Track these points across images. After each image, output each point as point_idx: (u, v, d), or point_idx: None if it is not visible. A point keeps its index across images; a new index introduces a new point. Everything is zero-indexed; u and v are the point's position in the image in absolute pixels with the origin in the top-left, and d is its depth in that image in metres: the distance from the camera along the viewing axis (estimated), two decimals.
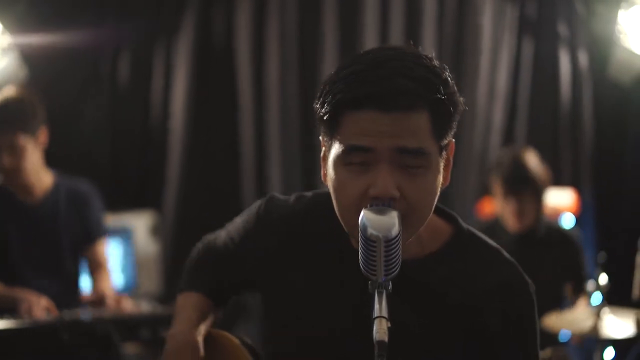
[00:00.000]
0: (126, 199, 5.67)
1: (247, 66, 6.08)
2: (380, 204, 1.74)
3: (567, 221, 5.88)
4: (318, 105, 1.85)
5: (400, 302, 1.80)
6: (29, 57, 5.63)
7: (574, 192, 6.05)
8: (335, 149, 1.82)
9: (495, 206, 4.87)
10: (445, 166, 1.87)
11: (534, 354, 1.95)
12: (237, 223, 2.19)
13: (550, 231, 4.73)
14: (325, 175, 1.89)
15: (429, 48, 6.03)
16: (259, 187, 6.07)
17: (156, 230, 5.69)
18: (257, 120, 6.09)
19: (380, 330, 1.59)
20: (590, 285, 4.23)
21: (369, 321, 1.62)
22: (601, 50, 6.17)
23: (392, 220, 1.69)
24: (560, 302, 4.69)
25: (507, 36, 6.39)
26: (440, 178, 1.84)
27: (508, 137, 6.39)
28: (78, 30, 5.87)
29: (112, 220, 4.99)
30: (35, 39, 5.66)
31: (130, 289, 5.33)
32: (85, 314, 3.92)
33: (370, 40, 6.14)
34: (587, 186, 6.40)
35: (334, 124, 1.81)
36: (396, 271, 1.69)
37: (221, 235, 2.23)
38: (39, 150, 4.13)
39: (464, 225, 2.00)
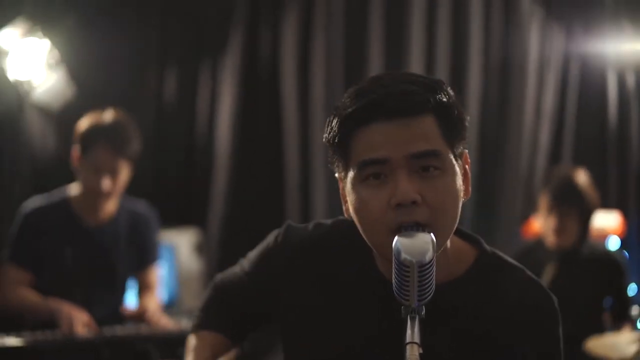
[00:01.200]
0: (170, 216, 5.68)
1: (292, 85, 6.10)
2: (407, 220, 1.74)
3: (613, 244, 5.81)
4: (327, 134, 1.85)
5: (428, 328, 1.79)
6: (77, 73, 5.70)
7: (620, 215, 5.99)
8: (351, 172, 1.82)
9: (539, 224, 4.82)
10: (464, 176, 1.87)
11: None
12: (252, 256, 2.16)
13: (594, 252, 4.67)
14: (347, 210, 1.88)
15: (475, 69, 6.11)
16: (303, 207, 6.08)
17: (200, 248, 5.71)
18: (302, 140, 6.11)
19: (411, 356, 1.58)
20: (635, 310, 4.18)
21: (391, 348, 1.63)
22: None
23: (426, 246, 1.67)
24: (601, 325, 4.63)
25: (553, 56, 6.36)
26: (461, 182, 1.83)
27: (554, 157, 6.35)
28: (124, 44, 5.93)
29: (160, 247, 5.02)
30: (82, 55, 5.73)
31: (173, 305, 5.35)
32: (125, 330, 3.93)
33: (416, 61, 6.14)
34: (633, 209, 6.34)
35: (345, 147, 1.82)
36: (430, 296, 1.67)
37: (235, 271, 2.20)
38: (126, 179, 4.16)
39: (488, 247, 1.99)
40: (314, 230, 2.07)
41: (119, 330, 3.95)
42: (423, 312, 1.67)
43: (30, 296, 4.02)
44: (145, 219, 4.35)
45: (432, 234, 1.72)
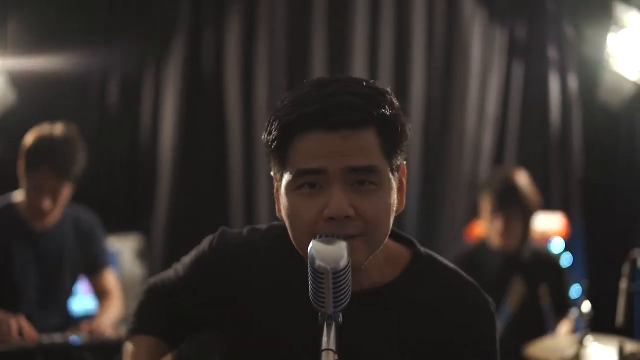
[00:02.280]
0: (113, 222, 5.64)
1: (236, 90, 6.09)
2: (338, 231, 1.73)
3: (557, 246, 5.85)
4: (265, 136, 1.83)
5: (363, 330, 1.78)
6: (18, 81, 5.64)
7: (563, 217, 6.03)
8: (286, 177, 1.80)
9: (482, 227, 4.84)
10: (399, 189, 1.86)
11: None
12: (186, 261, 2.13)
13: (536, 255, 4.70)
14: (279, 210, 1.87)
15: (418, 73, 6.12)
16: (247, 212, 6.07)
17: (143, 254, 5.68)
18: (245, 144, 6.10)
19: None
20: (574, 312, 4.20)
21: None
22: (591, 73, 6.19)
23: (340, 252, 1.66)
24: (544, 327, 4.66)
25: (496, 60, 6.41)
26: (395, 197, 1.83)
27: (498, 161, 6.39)
28: (67, 53, 5.88)
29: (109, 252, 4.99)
30: (23, 63, 5.67)
31: None
32: (62, 338, 3.89)
33: (359, 65, 6.15)
34: (576, 210, 6.39)
35: (283, 152, 1.80)
36: (346, 303, 1.66)
37: (169, 275, 2.17)
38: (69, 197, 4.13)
39: (422, 249, 1.99)
40: (249, 236, 2.06)
41: (57, 338, 3.90)
42: (340, 319, 1.66)
43: None
44: (90, 225, 4.33)
45: (346, 242, 1.71)
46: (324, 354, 1.59)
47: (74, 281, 4.31)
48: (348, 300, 1.67)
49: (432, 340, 1.87)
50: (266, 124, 1.84)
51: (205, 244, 2.10)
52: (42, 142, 4.00)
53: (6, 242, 4.07)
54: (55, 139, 4.01)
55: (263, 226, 2.08)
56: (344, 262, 1.65)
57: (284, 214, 1.84)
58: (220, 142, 6.10)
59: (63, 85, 5.88)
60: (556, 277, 4.70)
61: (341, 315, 1.66)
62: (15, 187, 4.23)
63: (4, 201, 4.16)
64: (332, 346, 1.60)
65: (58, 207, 4.06)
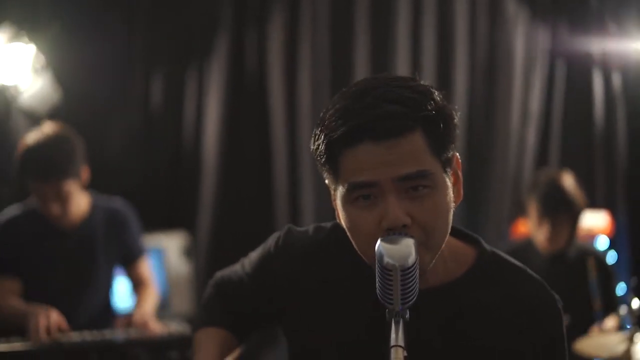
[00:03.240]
0: (159, 220, 5.69)
1: (279, 88, 6.11)
2: (395, 233, 1.73)
3: (601, 243, 5.83)
4: (313, 149, 1.85)
5: (428, 328, 1.79)
6: (63, 79, 5.69)
7: (608, 214, 6.00)
8: (340, 190, 1.81)
9: (528, 227, 4.83)
10: (455, 182, 1.86)
11: None
12: (253, 257, 2.17)
13: (582, 253, 4.68)
14: (339, 217, 1.88)
15: (462, 71, 6.11)
16: (291, 209, 6.08)
17: (188, 251, 5.71)
18: (289, 144, 6.11)
19: (396, 359, 1.58)
20: (622, 309, 4.18)
21: (386, 351, 1.61)
22: (634, 69, 6.14)
23: (408, 249, 1.68)
24: (590, 325, 4.63)
25: (539, 57, 6.38)
26: (451, 194, 1.83)
27: (541, 158, 6.36)
28: (111, 52, 5.92)
29: (144, 240, 5.02)
30: (69, 61, 5.72)
31: (162, 309, 5.34)
32: (114, 335, 3.92)
33: (402, 63, 6.15)
34: (621, 208, 6.35)
35: (333, 166, 1.81)
36: (413, 299, 1.67)
37: (236, 269, 2.22)
38: (82, 188, 4.10)
39: (487, 247, 1.99)
40: (314, 234, 2.08)
41: (108, 334, 3.92)
42: (408, 316, 1.66)
43: (13, 303, 3.98)
44: (122, 214, 4.29)
45: (413, 239, 1.72)
46: (392, 350, 1.60)
47: (110, 274, 4.30)
48: (416, 296, 1.68)
49: (499, 339, 1.87)
50: (312, 136, 1.85)
51: (271, 241, 2.13)
52: (26, 152, 3.94)
53: (37, 244, 4.08)
54: (40, 145, 3.93)
55: (328, 224, 2.09)
56: (412, 259, 1.66)
57: (343, 224, 1.85)
58: (264, 140, 6.12)
59: (107, 81, 5.93)
60: (603, 274, 4.68)
61: (408, 311, 1.67)
62: None
63: (30, 205, 4.15)
64: (401, 342, 1.61)
65: (69, 206, 4.02)
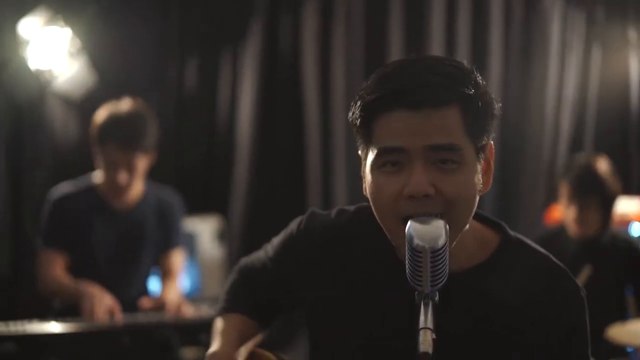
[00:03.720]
0: (192, 204, 5.70)
1: (313, 73, 6.10)
2: (419, 210, 1.74)
3: (636, 230, 5.78)
4: (351, 114, 1.85)
5: (450, 313, 1.78)
6: (98, 63, 5.72)
7: None
8: (370, 155, 1.81)
9: (560, 212, 4.80)
10: (486, 170, 1.86)
11: (587, 358, 1.92)
12: (276, 242, 2.17)
13: (616, 239, 4.64)
14: (365, 189, 1.88)
15: (496, 56, 6.08)
16: (324, 193, 6.09)
17: (221, 235, 5.73)
18: (323, 128, 6.11)
19: (425, 341, 1.57)
20: None
21: (415, 334, 1.60)
22: None
23: (438, 231, 1.67)
24: (624, 312, 4.61)
25: (575, 42, 6.33)
26: (480, 178, 1.82)
27: (576, 144, 6.32)
28: (145, 36, 5.95)
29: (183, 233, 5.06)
30: (103, 45, 5.75)
31: (195, 293, 5.37)
32: (146, 318, 3.95)
33: (436, 47, 6.12)
34: None
35: (367, 130, 1.81)
36: (443, 282, 1.67)
37: (259, 255, 2.22)
38: (146, 165, 4.20)
39: (511, 233, 1.97)
40: (337, 218, 2.07)
41: (141, 317, 3.96)
42: (437, 298, 1.66)
43: (63, 279, 4.08)
44: (171, 205, 4.40)
45: (444, 220, 1.71)
46: (421, 332, 1.59)
47: (152, 260, 4.38)
48: (445, 278, 1.67)
49: (520, 325, 1.86)
50: (352, 103, 1.85)
51: (293, 225, 2.12)
52: (110, 118, 4.09)
53: (89, 221, 4.18)
54: (122, 113, 4.10)
55: (351, 208, 2.09)
56: (442, 241, 1.66)
57: (368, 192, 1.85)
58: (297, 125, 6.12)
59: (141, 65, 5.96)
60: (636, 261, 4.65)
61: (437, 294, 1.67)
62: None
63: (84, 182, 4.26)
64: (430, 325, 1.60)
65: (135, 179, 4.13)
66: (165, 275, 4.41)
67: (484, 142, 1.83)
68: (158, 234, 4.34)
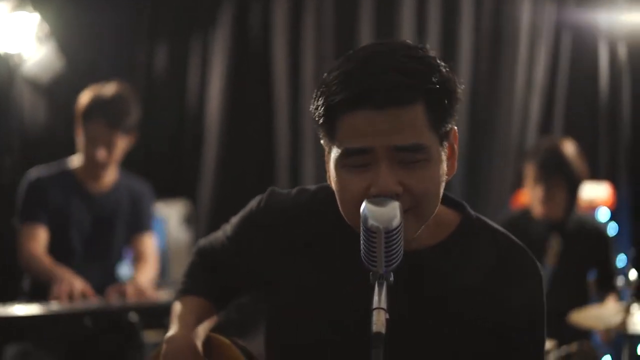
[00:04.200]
0: (160, 188, 5.69)
1: (283, 59, 6.10)
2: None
3: (603, 215, 5.82)
4: (313, 110, 1.83)
5: (409, 292, 1.79)
6: (66, 47, 5.69)
7: (610, 186, 5.99)
8: (334, 152, 1.81)
9: (527, 194, 4.82)
10: (450, 155, 1.86)
11: (542, 336, 1.94)
12: (234, 221, 2.15)
13: (583, 224, 4.67)
14: (329, 177, 1.88)
15: (466, 41, 6.08)
16: (293, 178, 6.08)
17: (189, 219, 5.72)
18: (292, 112, 6.11)
19: (378, 322, 1.58)
20: (620, 280, 4.18)
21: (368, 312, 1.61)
22: None
23: (393, 212, 1.68)
24: (587, 296, 4.64)
25: (545, 28, 6.34)
26: (444, 167, 1.82)
27: (545, 129, 6.34)
28: (114, 20, 5.92)
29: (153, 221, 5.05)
30: (71, 29, 5.72)
31: (162, 277, 5.36)
32: (109, 302, 3.96)
33: (406, 33, 6.12)
34: (623, 180, 6.34)
35: (330, 128, 1.80)
36: (397, 262, 1.68)
37: (217, 235, 2.20)
38: (125, 147, 4.33)
39: (472, 212, 1.98)
40: (297, 196, 2.06)
41: (105, 301, 3.97)
42: (391, 278, 1.67)
43: (42, 258, 4.14)
44: (142, 193, 4.53)
45: (398, 202, 1.72)
46: (375, 312, 1.60)
47: (123, 245, 4.49)
48: (399, 259, 1.68)
49: (479, 302, 1.87)
50: (313, 97, 1.84)
51: (253, 203, 2.11)
52: (96, 97, 4.24)
53: (65, 203, 4.29)
54: (107, 94, 4.25)
55: (312, 187, 2.08)
56: (396, 222, 1.67)
57: (332, 185, 1.85)
58: (266, 109, 6.11)
59: (110, 49, 5.95)
60: (601, 246, 4.68)
61: (392, 274, 1.67)
62: (67, 151, 4.35)
63: (60, 166, 4.37)
64: (383, 305, 1.61)
65: (112, 159, 4.26)
66: (138, 259, 4.46)
67: (447, 129, 1.83)
68: (130, 218, 4.44)
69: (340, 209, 1.85)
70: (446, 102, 1.79)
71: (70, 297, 3.87)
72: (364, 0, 6.16)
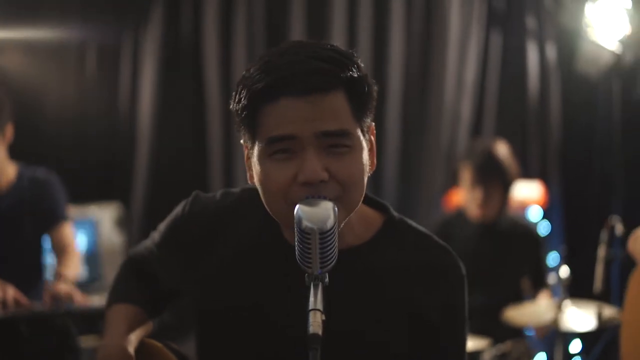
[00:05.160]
0: (92, 191, 5.65)
1: (214, 61, 6.06)
2: (313, 194, 1.74)
3: (534, 214, 5.89)
4: (234, 105, 1.84)
5: (335, 292, 1.79)
6: None
7: (541, 185, 6.07)
8: (257, 146, 1.81)
9: (460, 196, 4.87)
10: (370, 150, 1.87)
11: (463, 335, 1.98)
12: (162, 227, 2.15)
13: (512, 224, 4.74)
14: (251, 177, 1.88)
15: (397, 41, 6.11)
16: (226, 180, 6.05)
17: (122, 223, 5.67)
18: (224, 114, 6.07)
19: (314, 322, 1.58)
20: (552, 278, 4.24)
21: (301, 314, 1.61)
22: (569, 43, 6.19)
23: (327, 212, 1.68)
24: (521, 295, 4.69)
25: (475, 29, 6.40)
26: (367, 157, 1.84)
27: (476, 129, 6.40)
28: (44, 23, 5.85)
29: (77, 212, 4.97)
30: (1, 34, 5.64)
31: (95, 281, 5.31)
32: (43, 306, 3.90)
33: (338, 35, 6.13)
34: (554, 179, 6.43)
35: (253, 121, 1.80)
36: (332, 263, 1.68)
37: (146, 243, 2.20)
38: (5, 146, 4.13)
39: (395, 213, 2.01)
40: (222, 199, 2.06)
41: (38, 306, 3.91)
42: (326, 280, 1.67)
43: None
44: (45, 180, 4.33)
45: (332, 202, 1.73)
46: (310, 313, 1.60)
47: (38, 242, 4.33)
48: (334, 260, 1.68)
49: (402, 300, 1.89)
50: (234, 93, 1.84)
51: (179, 208, 2.10)
52: None
53: None
54: None
55: (236, 189, 2.09)
56: (330, 222, 1.67)
57: (256, 180, 1.85)
58: (198, 110, 6.07)
59: (39, 55, 5.86)
60: (533, 246, 4.74)
61: (327, 275, 1.68)
62: None
63: None
64: (319, 306, 1.61)
65: None
66: (59, 251, 4.34)
67: (368, 123, 1.86)
68: (38, 215, 4.27)
69: (264, 203, 1.85)
70: (366, 93, 1.82)
71: (4, 304, 3.77)
72: (295, 2, 6.14)
